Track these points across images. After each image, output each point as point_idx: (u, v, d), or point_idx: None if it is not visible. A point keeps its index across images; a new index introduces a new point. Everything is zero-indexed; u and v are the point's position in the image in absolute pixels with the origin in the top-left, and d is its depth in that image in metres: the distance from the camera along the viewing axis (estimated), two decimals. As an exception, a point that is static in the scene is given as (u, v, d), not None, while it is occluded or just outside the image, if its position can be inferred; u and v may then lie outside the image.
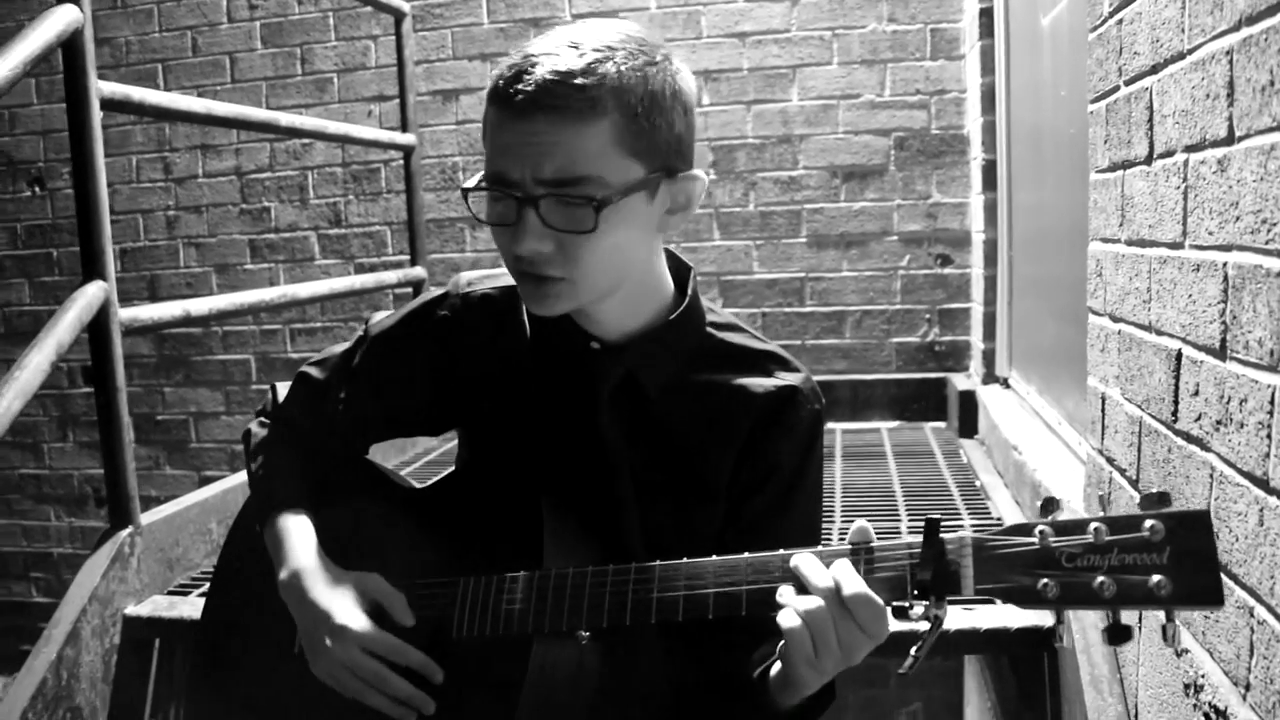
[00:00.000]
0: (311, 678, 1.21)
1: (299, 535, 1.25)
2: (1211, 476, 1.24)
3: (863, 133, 3.96)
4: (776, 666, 1.10)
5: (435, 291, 1.32)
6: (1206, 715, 1.23)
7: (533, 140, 1.05)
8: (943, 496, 2.82)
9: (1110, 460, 1.69)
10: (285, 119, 2.89)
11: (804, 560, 1.02)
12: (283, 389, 1.40)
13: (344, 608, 1.17)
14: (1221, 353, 1.20)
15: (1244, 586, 1.14)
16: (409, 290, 3.59)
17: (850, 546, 1.01)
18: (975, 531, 0.96)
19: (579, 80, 1.05)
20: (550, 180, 1.06)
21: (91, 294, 1.95)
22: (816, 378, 1.27)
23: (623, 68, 1.07)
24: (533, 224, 1.07)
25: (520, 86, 1.04)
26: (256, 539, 1.30)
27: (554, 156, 1.05)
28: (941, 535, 0.96)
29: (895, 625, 0.98)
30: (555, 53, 1.06)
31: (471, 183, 1.12)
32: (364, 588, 1.21)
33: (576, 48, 1.07)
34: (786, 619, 1.00)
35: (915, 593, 0.96)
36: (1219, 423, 1.21)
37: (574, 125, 1.05)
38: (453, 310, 1.29)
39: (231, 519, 1.46)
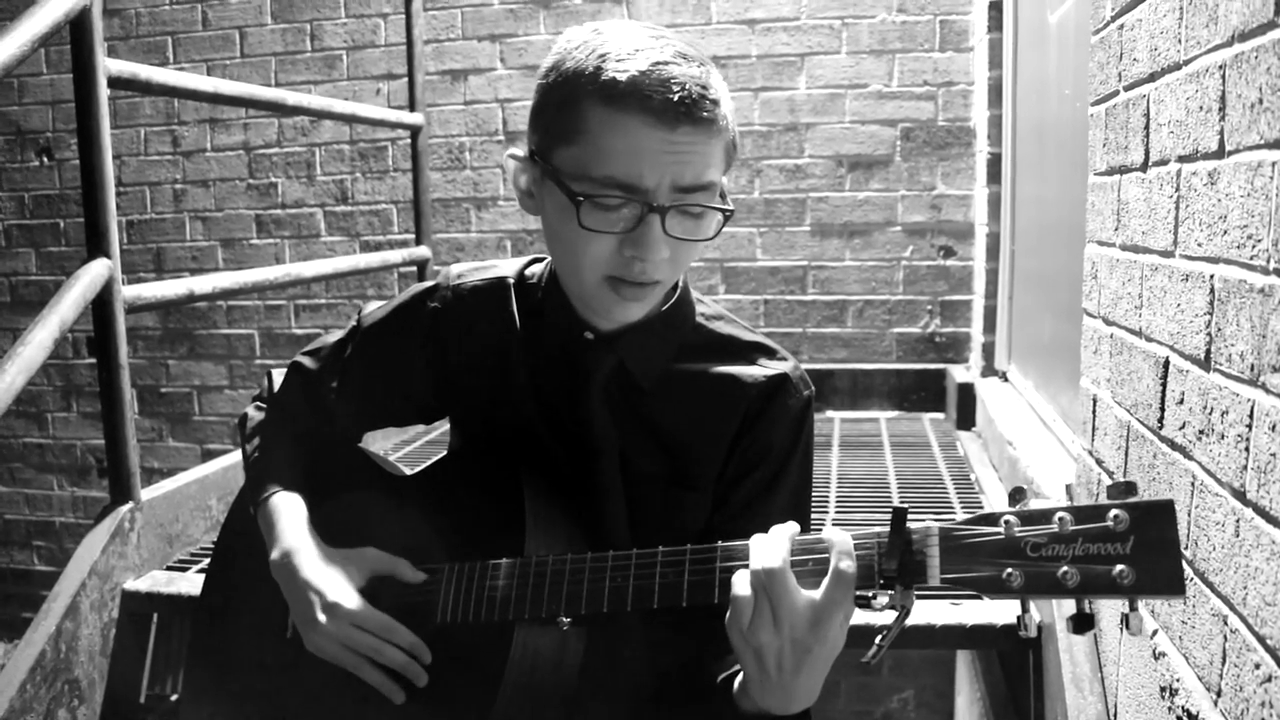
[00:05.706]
0: (305, 658, 1.23)
1: (290, 515, 1.28)
2: (1193, 485, 1.25)
3: (869, 123, 3.96)
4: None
5: (426, 283, 1.34)
6: (1179, 718, 1.25)
7: (679, 149, 1.07)
8: (937, 489, 2.84)
9: (1099, 461, 1.70)
10: (292, 98, 2.90)
11: (756, 541, 1.02)
12: (278, 375, 1.42)
13: (336, 586, 1.20)
14: (1206, 363, 1.21)
15: (1219, 595, 1.16)
16: (414, 269, 3.60)
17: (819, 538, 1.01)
18: (940, 521, 0.97)
19: (712, 94, 1.08)
20: (687, 187, 1.08)
21: (96, 271, 1.97)
22: (817, 366, 1.29)
23: (721, 84, 1.12)
24: (658, 233, 1.08)
25: (669, 97, 1.05)
26: (254, 520, 1.33)
27: (694, 164, 1.08)
28: (908, 525, 0.97)
29: (863, 616, 1.00)
30: (675, 61, 1.07)
31: (580, 186, 1.08)
32: (359, 563, 1.24)
33: (687, 58, 1.08)
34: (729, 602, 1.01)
35: (881, 582, 0.97)
36: (1201, 432, 1.22)
37: (708, 136, 1.08)
38: (443, 302, 1.31)
39: (232, 496, 1.48)
